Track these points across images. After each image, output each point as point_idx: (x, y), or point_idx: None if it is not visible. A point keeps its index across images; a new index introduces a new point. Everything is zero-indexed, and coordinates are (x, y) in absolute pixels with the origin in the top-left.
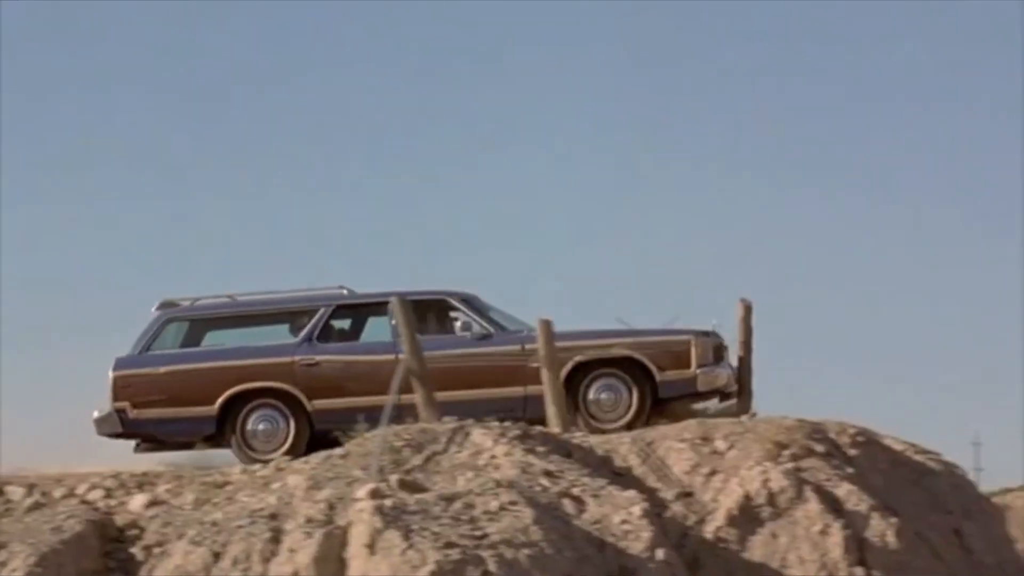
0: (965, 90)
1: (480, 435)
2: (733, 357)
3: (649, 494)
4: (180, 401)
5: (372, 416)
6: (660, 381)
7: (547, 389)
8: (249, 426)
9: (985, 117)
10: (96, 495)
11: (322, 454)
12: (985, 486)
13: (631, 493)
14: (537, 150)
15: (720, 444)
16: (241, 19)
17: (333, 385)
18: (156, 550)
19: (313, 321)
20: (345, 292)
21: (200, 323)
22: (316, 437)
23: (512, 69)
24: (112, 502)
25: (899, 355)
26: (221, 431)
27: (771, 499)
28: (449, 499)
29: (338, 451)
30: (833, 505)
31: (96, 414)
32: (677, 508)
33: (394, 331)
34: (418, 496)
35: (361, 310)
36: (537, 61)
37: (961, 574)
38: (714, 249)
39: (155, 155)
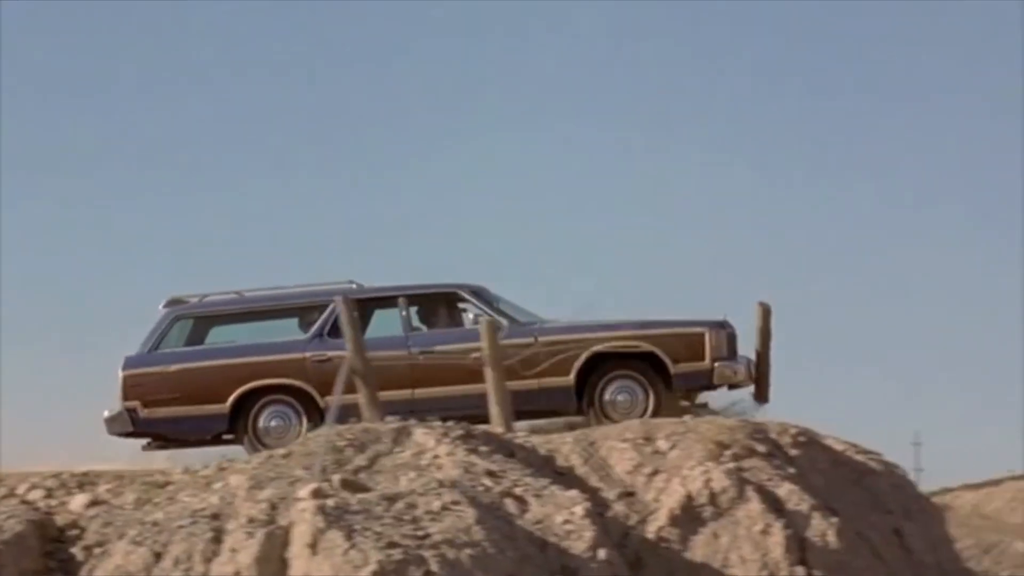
0: (965, 90)
1: (423, 435)
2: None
3: (591, 494)
4: (192, 399)
5: (388, 411)
6: (675, 374)
7: (491, 389)
8: (261, 423)
9: (986, 117)
10: (36, 495)
11: (264, 454)
12: (925, 486)
13: (573, 493)
14: (541, 143)
15: (662, 444)
16: (243, 14)
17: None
18: (97, 550)
19: (323, 317)
20: (354, 286)
21: (209, 320)
22: None
23: (519, 63)
24: (53, 502)
25: (839, 356)
26: (233, 428)
27: (713, 499)
28: (391, 499)
29: (280, 451)
30: (774, 505)
31: (106, 413)
32: (619, 508)
33: (406, 325)
34: (360, 496)
35: (371, 304)
36: (543, 57)
37: (901, 573)
38: (699, 242)
39: (158, 153)
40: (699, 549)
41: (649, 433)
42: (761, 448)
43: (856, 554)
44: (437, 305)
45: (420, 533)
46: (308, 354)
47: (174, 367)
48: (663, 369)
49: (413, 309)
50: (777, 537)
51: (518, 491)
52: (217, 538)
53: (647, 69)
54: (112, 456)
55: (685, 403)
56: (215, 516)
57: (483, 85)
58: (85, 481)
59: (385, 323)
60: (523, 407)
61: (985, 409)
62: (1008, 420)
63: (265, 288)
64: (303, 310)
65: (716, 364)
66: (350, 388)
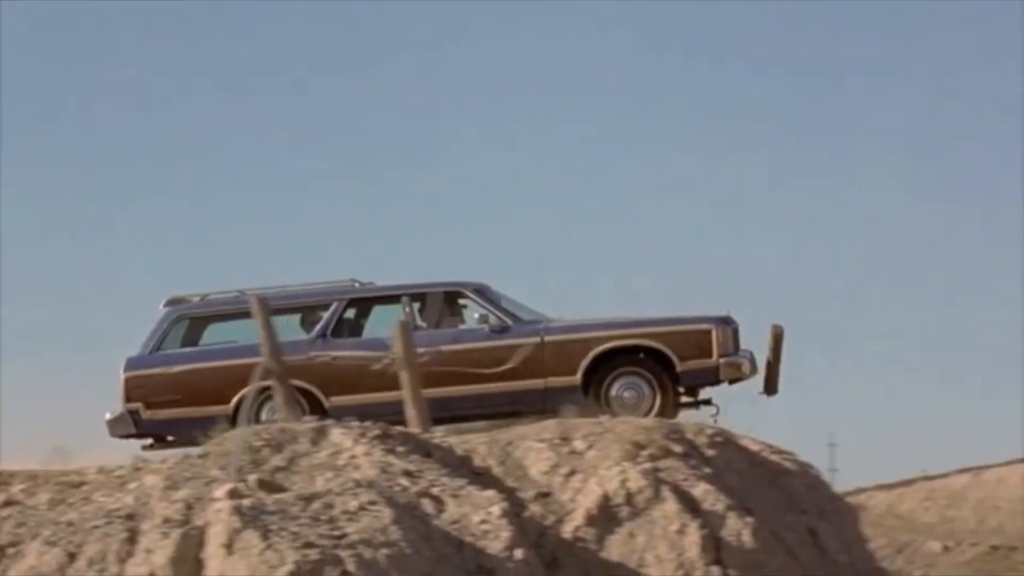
0: (965, 90)
1: (340, 435)
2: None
3: (508, 494)
4: (195, 400)
5: (389, 412)
6: (681, 371)
7: (406, 390)
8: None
9: (986, 117)
10: None
11: (180, 453)
12: (840, 486)
13: (490, 493)
14: (542, 144)
15: (579, 444)
16: (247, 15)
17: (351, 381)
18: (10, 551)
19: (327, 316)
20: (356, 285)
21: (211, 319)
22: None
23: (521, 64)
24: None
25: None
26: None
27: (629, 499)
28: (308, 499)
29: (196, 451)
30: (690, 505)
31: (108, 415)
32: (536, 508)
33: (409, 324)
34: (277, 496)
35: (374, 303)
36: (545, 57)
37: (815, 573)
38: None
39: (162, 152)
40: (615, 549)
41: (566, 433)
42: (677, 448)
43: (771, 554)
44: (440, 303)
45: (337, 533)
46: (312, 354)
47: (176, 368)
48: (670, 366)
49: (415, 307)
50: (693, 537)
51: (435, 491)
52: (132, 538)
53: (647, 69)
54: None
55: (688, 399)
56: (130, 516)
57: (484, 85)
58: None
59: (385, 323)
60: (529, 407)
61: (899, 410)
62: (920, 421)
63: (266, 287)
64: (305, 309)
65: (722, 360)
66: (362, 388)
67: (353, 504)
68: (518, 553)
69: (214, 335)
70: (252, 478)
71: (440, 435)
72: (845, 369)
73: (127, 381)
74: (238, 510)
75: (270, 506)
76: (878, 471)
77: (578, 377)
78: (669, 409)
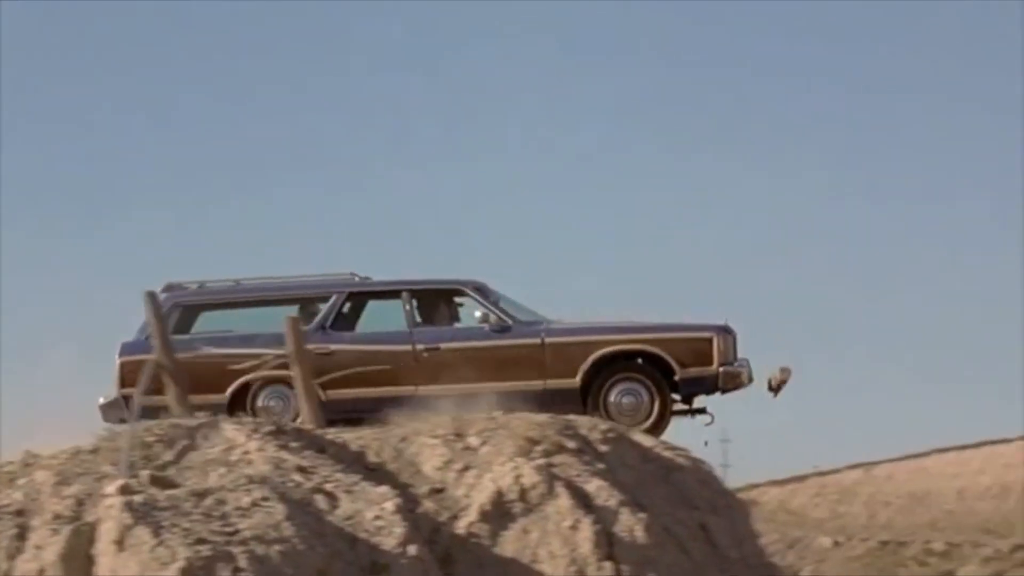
0: (965, 90)
1: (232, 431)
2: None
3: (402, 490)
4: (190, 388)
5: (387, 406)
6: (681, 378)
7: (298, 385)
8: (260, 406)
9: (985, 117)
10: None
11: (70, 449)
12: (732, 482)
13: (384, 489)
14: (545, 144)
15: (473, 440)
16: (255, 13)
17: (347, 376)
18: None
19: (326, 308)
20: (356, 279)
21: (204, 308)
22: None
23: (526, 65)
24: None
25: None
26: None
27: (523, 495)
28: (200, 495)
29: (87, 446)
30: (583, 500)
31: (101, 400)
32: (430, 504)
33: (410, 320)
34: (169, 492)
35: (373, 297)
36: (550, 58)
37: (707, 568)
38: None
39: (170, 148)
40: (509, 545)
41: (460, 429)
42: (571, 444)
43: (663, 549)
44: (438, 300)
45: (229, 529)
46: (310, 346)
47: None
48: (669, 373)
49: (413, 303)
50: (586, 532)
51: (328, 487)
52: (21, 535)
53: (652, 70)
54: None
55: (684, 406)
56: (19, 512)
57: (485, 85)
58: None
59: (385, 317)
60: (529, 407)
61: (792, 407)
62: (813, 417)
63: (263, 277)
64: (304, 301)
65: (722, 369)
66: (360, 382)
67: (246, 500)
68: (411, 549)
69: (206, 323)
70: (144, 474)
71: (334, 431)
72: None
73: (122, 366)
74: (129, 506)
75: (162, 502)
76: (771, 467)
77: (577, 380)
78: (667, 416)
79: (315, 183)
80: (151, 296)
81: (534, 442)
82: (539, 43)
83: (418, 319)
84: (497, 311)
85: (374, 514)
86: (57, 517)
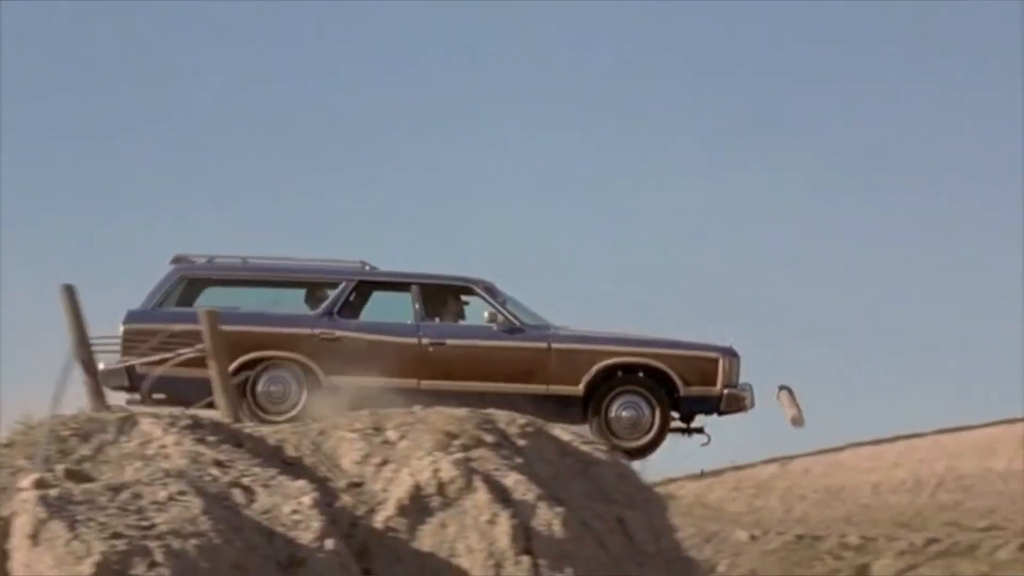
0: (963, 89)
1: (149, 424)
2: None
3: (320, 484)
4: (192, 361)
5: (387, 397)
6: (684, 396)
7: (215, 379)
8: (260, 391)
9: (984, 118)
10: None
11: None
12: (649, 476)
13: (301, 483)
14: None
15: (391, 434)
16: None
17: (351, 362)
18: None
19: (334, 294)
20: (367, 268)
21: (210, 283)
22: None
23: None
24: None
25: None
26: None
27: (441, 489)
28: (116, 489)
29: (2, 439)
30: (501, 495)
31: (102, 366)
32: (347, 498)
33: (418, 314)
34: (85, 486)
35: (382, 288)
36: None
37: (624, 562)
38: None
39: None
40: (427, 539)
41: (378, 423)
42: (489, 438)
43: (580, 543)
44: (446, 296)
45: (145, 523)
46: (316, 331)
47: (178, 327)
48: (673, 390)
49: (421, 297)
50: (503, 527)
51: (246, 481)
52: None
53: (661, 72)
54: None
55: (681, 425)
56: None
57: (488, 85)
58: None
59: (391, 308)
60: (528, 411)
61: None
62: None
63: (272, 257)
64: (312, 285)
65: (726, 391)
66: (362, 371)
67: (162, 494)
68: (329, 543)
69: (210, 298)
70: (59, 468)
71: (251, 425)
72: None
73: (126, 333)
74: (44, 500)
75: (77, 496)
76: (688, 461)
77: (581, 388)
78: (665, 433)
79: (323, 175)
80: (68, 290)
81: (452, 436)
82: (547, 46)
83: (425, 313)
84: (505, 312)
85: (291, 508)
86: None
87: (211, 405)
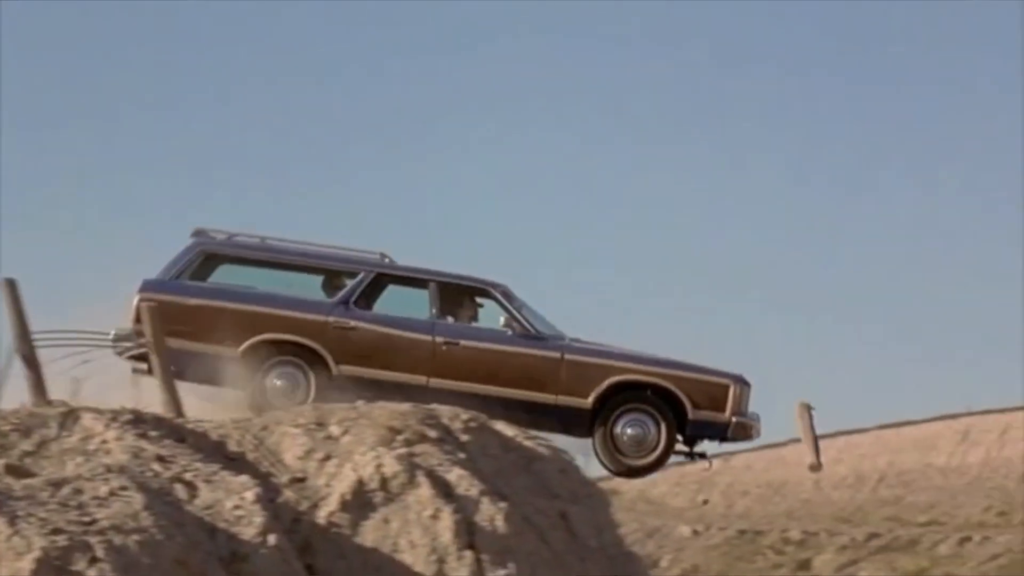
0: (960, 88)
1: (91, 420)
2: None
3: (262, 479)
4: (203, 337)
5: (395, 391)
6: (691, 419)
7: (158, 374)
8: (270, 377)
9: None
10: None
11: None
12: (593, 471)
13: (244, 478)
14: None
15: (335, 429)
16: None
17: (363, 353)
18: None
19: (352, 284)
20: (386, 260)
21: (225, 260)
22: None
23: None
24: None
25: None
26: (239, 374)
27: (384, 484)
28: (57, 484)
29: None
30: (444, 490)
31: (113, 331)
32: (290, 493)
33: (434, 312)
34: (25, 482)
35: (399, 282)
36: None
37: (566, 557)
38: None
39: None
40: (369, 534)
41: (321, 419)
42: (432, 434)
43: (523, 538)
44: (463, 297)
45: (87, 519)
46: (331, 319)
47: (192, 300)
48: (682, 412)
49: (437, 295)
50: (446, 522)
51: (188, 476)
52: None
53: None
54: None
55: (684, 449)
56: None
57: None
58: None
59: (406, 303)
60: (535, 418)
61: None
62: None
63: (292, 240)
64: (331, 273)
65: (734, 419)
66: (373, 363)
67: (104, 489)
68: (271, 539)
69: (225, 275)
70: (0, 464)
71: (194, 420)
72: None
73: (140, 302)
74: None
75: (17, 492)
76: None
77: (590, 401)
78: (669, 454)
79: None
80: (9, 284)
81: (396, 431)
82: (553, 39)
83: (440, 312)
84: (521, 318)
85: (234, 503)
86: None
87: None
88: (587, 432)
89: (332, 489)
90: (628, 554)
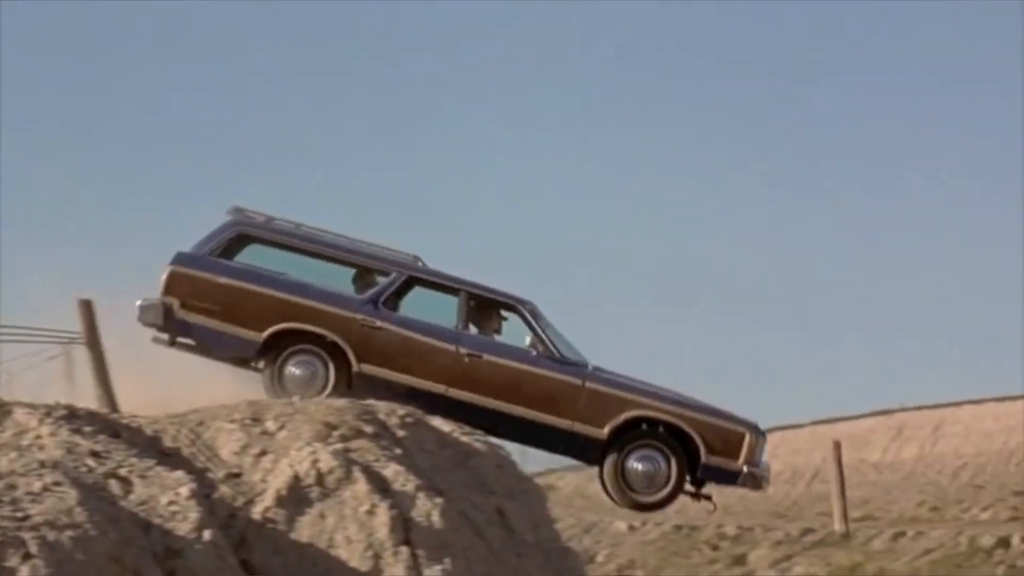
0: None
1: (24, 415)
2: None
3: (198, 475)
4: (229, 317)
5: (412, 398)
6: (704, 463)
7: (93, 369)
8: (289, 366)
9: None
10: None
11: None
12: (530, 467)
13: (179, 474)
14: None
15: (271, 425)
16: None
17: (386, 354)
18: None
19: (383, 284)
20: (419, 263)
21: (255, 241)
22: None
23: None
24: None
25: None
26: (260, 359)
27: (320, 479)
28: None
29: None
30: (381, 485)
31: (140, 301)
32: (226, 489)
33: (461, 321)
34: None
35: (428, 286)
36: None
37: (503, 552)
38: None
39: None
40: (305, 530)
41: (257, 414)
42: (369, 429)
43: (459, 534)
44: (490, 310)
45: (20, 515)
46: (359, 316)
47: (223, 279)
48: (695, 454)
49: (465, 305)
50: (383, 517)
51: (123, 472)
52: None
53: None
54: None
55: (691, 489)
56: None
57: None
58: None
59: (432, 309)
60: (547, 441)
61: None
62: None
63: (326, 230)
64: (363, 269)
65: (746, 467)
66: (394, 366)
67: (37, 485)
68: (206, 534)
69: (251, 256)
70: None
71: (128, 416)
72: None
73: (171, 274)
74: None
75: None
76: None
77: (605, 432)
78: (678, 494)
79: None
80: None
81: (332, 427)
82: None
83: (466, 322)
84: (547, 339)
85: (168, 499)
86: None
87: (243, 363)
88: (597, 461)
89: (268, 485)
90: (564, 549)
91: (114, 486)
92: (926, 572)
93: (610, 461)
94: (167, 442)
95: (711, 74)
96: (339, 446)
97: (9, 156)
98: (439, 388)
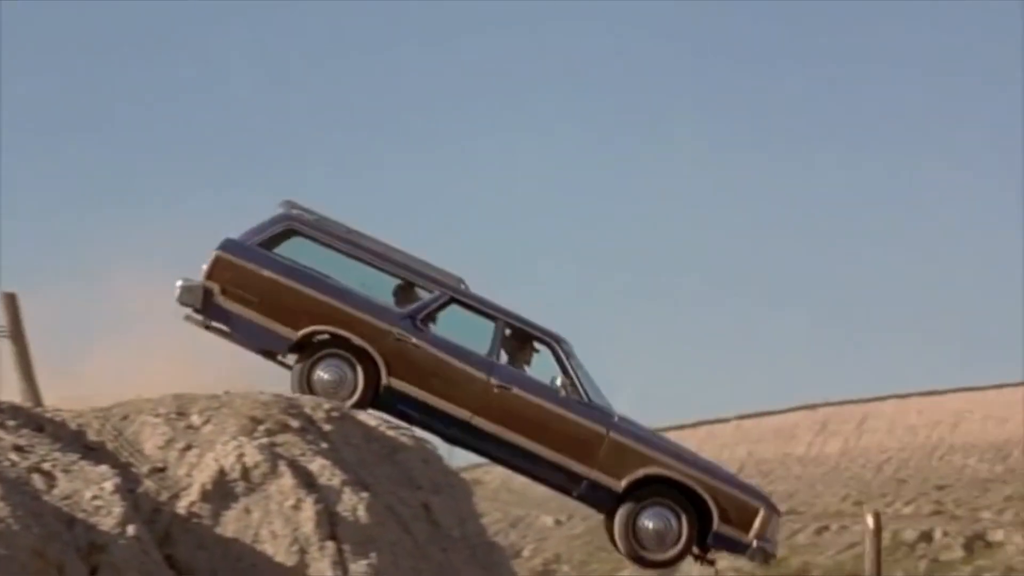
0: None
1: None
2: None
3: (122, 469)
4: (268, 311)
5: (435, 421)
6: (716, 531)
7: (16, 364)
8: (318, 368)
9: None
10: None
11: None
12: (457, 462)
13: (103, 468)
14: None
15: (196, 419)
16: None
17: (417, 372)
18: None
19: (424, 301)
20: (463, 286)
21: (299, 235)
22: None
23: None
24: None
25: None
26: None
27: (245, 474)
28: None
29: None
30: (307, 480)
31: (180, 282)
32: (150, 483)
33: (494, 349)
34: None
35: (467, 309)
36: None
37: (428, 547)
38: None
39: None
40: (230, 524)
41: (182, 408)
42: (295, 423)
43: (385, 528)
44: (524, 342)
45: None
46: (395, 329)
47: (267, 272)
48: (708, 521)
49: (500, 332)
50: (308, 512)
51: (46, 466)
52: None
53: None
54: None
55: (697, 551)
56: None
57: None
58: None
59: (465, 332)
60: (561, 483)
61: None
62: None
63: (373, 238)
64: (406, 283)
65: (756, 542)
66: (424, 385)
67: None
68: (130, 529)
69: (294, 250)
70: None
71: (52, 409)
72: None
73: (217, 259)
74: None
75: None
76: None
77: (622, 485)
78: (685, 556)
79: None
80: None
81: (257, 421)
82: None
83: (499, 350)
84: (578, 381)
85: (92, 494)
86: None
87: (271, 355)
88: (608, 510)
89: (193, 479)
90: (490, 544)
91: (37, 480)
92: (850, 566)
93: (622, 514)
94: (91, 436)
95: (710, 74)
96: (265, 440)
97: None
98: (464, 414)
